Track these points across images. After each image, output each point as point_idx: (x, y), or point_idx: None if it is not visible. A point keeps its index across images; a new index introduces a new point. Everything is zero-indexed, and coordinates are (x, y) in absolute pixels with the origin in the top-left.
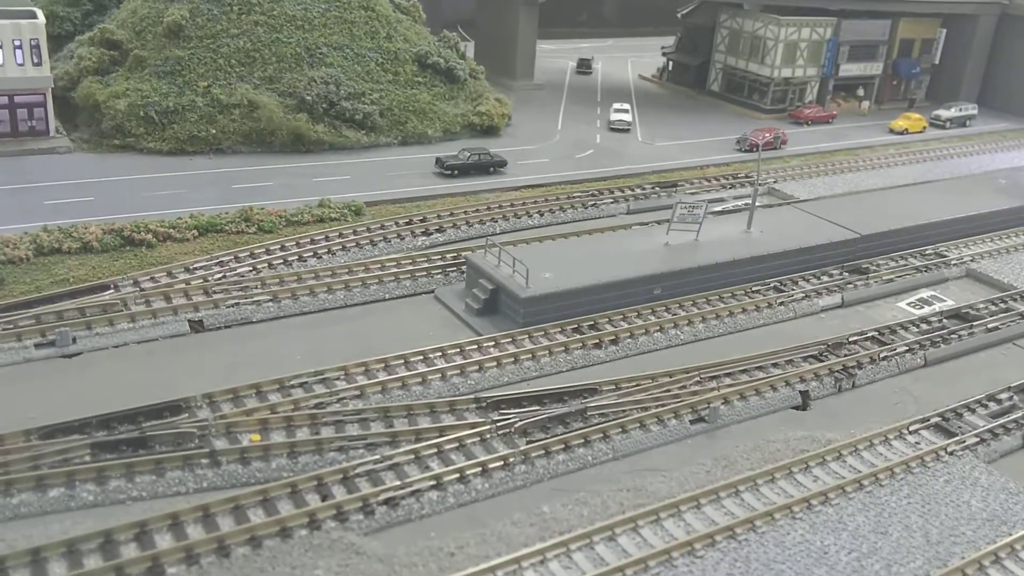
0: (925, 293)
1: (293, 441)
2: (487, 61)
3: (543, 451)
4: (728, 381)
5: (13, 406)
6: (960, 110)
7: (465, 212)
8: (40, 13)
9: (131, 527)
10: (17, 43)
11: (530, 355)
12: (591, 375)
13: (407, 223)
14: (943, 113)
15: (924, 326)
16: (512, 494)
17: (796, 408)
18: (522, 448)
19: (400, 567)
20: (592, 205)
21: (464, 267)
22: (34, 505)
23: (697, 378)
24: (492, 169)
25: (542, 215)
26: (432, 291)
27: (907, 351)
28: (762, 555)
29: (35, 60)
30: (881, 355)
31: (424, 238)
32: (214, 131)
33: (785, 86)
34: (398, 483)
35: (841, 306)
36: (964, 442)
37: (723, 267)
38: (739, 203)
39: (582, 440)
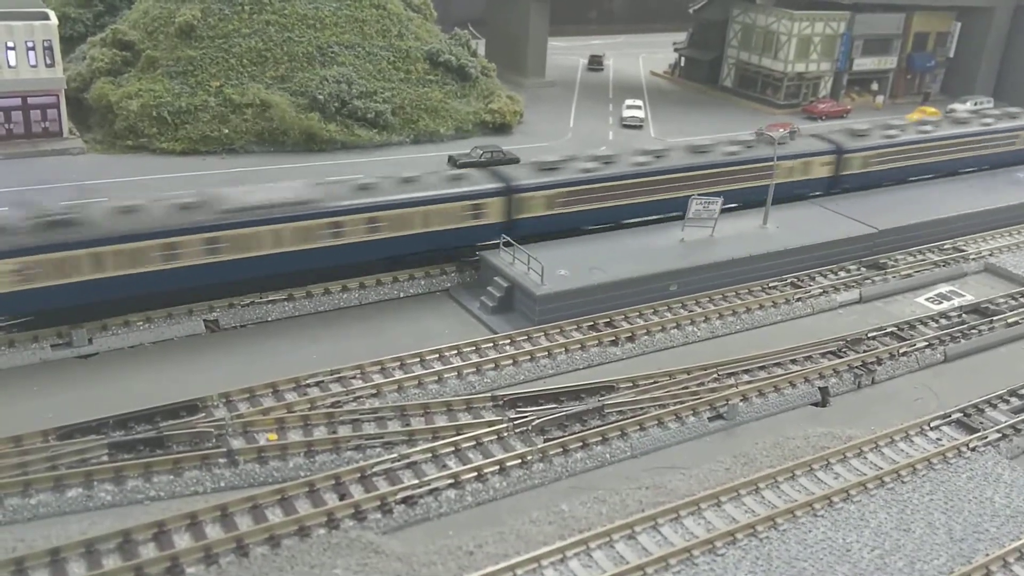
0: (944, 288)
1: (310, 440)
2: (498, 58)
3: (561, 449)
4: (746, 378)
5: (30, 406)
6: (976, 104)
7: None
8: (52, 14)
9: (149, 527)
10: (30, 44)
11: (546, 353)
12: (608, 372)
13: None
14: (958, 107)
15: (943, 321)
16: (530, 492)
17: (815, 405)
18: (539, 446)
19: (419, 566)
20: None
21: (479, 265)
22: (52, 505)
23: (715, 375)
24: None
25: None
26: (447, 289)
27: (926, 347)
28: (784, 553)
29: (48, 61)
30: (900, 351)
31: None
32: (226, 131)
33: (798, 81)
34: (416, 482)
35: (859, 302)
36: (986, 438)
37: (739, 263)
38: None
39: (600, 438)
